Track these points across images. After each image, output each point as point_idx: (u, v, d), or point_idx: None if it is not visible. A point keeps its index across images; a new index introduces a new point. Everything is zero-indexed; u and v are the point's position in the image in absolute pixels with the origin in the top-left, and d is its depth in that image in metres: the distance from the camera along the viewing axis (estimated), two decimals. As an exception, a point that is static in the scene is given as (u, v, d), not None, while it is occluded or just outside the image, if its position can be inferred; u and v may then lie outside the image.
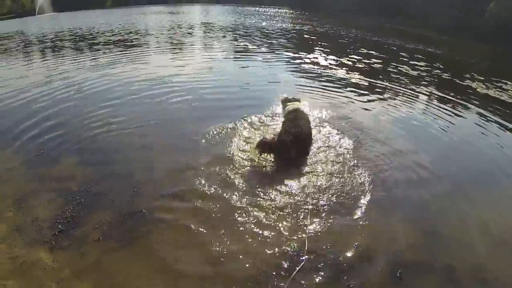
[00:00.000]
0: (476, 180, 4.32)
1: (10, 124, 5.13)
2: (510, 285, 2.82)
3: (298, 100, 5.35)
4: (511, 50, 18.49)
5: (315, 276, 2.70)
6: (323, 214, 3.35)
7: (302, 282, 2.65)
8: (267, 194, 3.61)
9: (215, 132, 4.84)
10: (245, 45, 12.89)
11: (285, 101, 5.32)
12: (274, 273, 2.71)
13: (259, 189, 3.67)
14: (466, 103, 7.62)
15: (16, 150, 4.35)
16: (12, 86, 7.15)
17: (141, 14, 29.73)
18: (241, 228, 3.14)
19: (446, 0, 25.35)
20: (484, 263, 2.97)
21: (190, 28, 18.38)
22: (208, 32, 16.51)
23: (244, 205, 3.44)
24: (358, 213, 3.41)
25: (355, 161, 4.26)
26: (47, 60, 10.46)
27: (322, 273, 2.72)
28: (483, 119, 6.66)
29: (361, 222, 3.29)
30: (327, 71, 9.32)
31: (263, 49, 12.18)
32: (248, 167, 4.07)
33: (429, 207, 3.65)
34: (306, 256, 2.84)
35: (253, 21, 22.97)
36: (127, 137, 4.78)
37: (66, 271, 2.53)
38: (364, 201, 3.59)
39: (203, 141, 4.64)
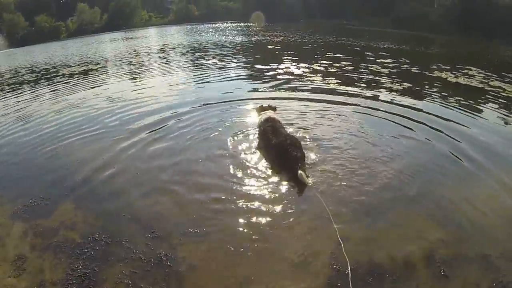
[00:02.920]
0: (476, 165, 4.34)
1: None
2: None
3: (274, 109, 5.18)
4: (460, 38, 20.44)
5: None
6: (346, 219, 3.31)
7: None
8: (285, 202, 3.57)
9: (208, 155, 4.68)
10: (214, 62, 12.70)
11: (259, 110, 5.14)
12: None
13: (280, 200, 3.61)
14: (443, 94, 7.93)
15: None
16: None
17: (99, 42, 29.03)
18: (282, 257, 2.92)
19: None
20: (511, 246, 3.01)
21: (159, 52, 18.04)
22: (174, 54, 16.22)
23: (280, 224, 3.27)
24: (380, 216, 3.38)
25: (357, 162, 4.29)
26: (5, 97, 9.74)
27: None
28: (464, 107, 6.84)
29: (385, 225, 3.28)
30: (303, 79, 9.22)
31: (233, 65, 12.17)
32: (258, 178, 4.03)
33: (438, 197, 3.70)
34: (350, 269, 2.69)
35: (212, 38, 23.32)
36: (116, 171, 4.35)
37: None
38: (378, 201, 3.58)
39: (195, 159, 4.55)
